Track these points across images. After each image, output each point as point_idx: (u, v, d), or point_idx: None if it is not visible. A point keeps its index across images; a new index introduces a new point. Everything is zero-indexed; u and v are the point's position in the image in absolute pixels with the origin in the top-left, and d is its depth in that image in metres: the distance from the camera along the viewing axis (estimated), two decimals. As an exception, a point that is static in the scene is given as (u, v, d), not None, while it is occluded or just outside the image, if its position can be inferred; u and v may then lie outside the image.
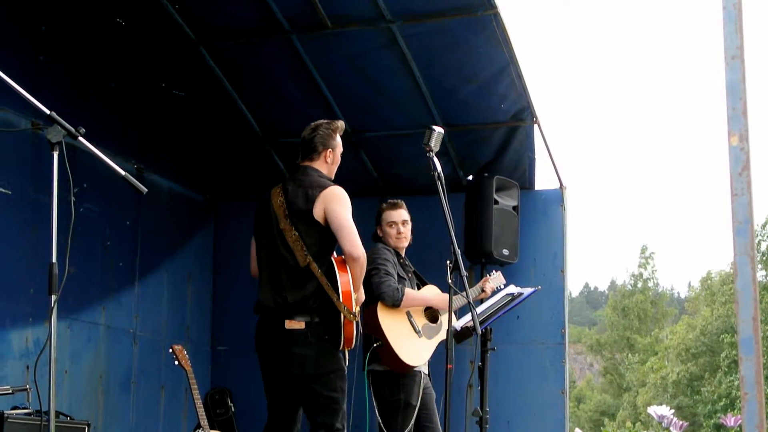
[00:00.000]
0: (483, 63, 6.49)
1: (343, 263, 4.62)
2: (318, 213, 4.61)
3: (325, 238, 4.63)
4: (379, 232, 5.80)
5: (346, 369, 4.68)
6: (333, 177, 4.88)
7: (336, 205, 4.62)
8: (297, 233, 4.62)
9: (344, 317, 4.55)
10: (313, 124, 4.91)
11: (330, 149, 4.86)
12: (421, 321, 5.61)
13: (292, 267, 4.61)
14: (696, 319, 37.65)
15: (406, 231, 5.78)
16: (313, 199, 4.63)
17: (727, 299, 34.90)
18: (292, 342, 4.57)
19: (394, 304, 5.46)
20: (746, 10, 2.21)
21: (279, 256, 4.66)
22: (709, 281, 40.49)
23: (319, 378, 4.60)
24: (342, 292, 4.56)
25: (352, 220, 4.61)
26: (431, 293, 5.74)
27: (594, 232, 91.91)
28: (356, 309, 4.67)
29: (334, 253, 4.75)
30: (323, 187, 4.68)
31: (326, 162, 4.86)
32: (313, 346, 4.56)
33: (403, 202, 5.87)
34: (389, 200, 5.89)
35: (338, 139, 4.91)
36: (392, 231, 5.75)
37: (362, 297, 4.82)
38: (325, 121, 4.94)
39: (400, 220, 5.76)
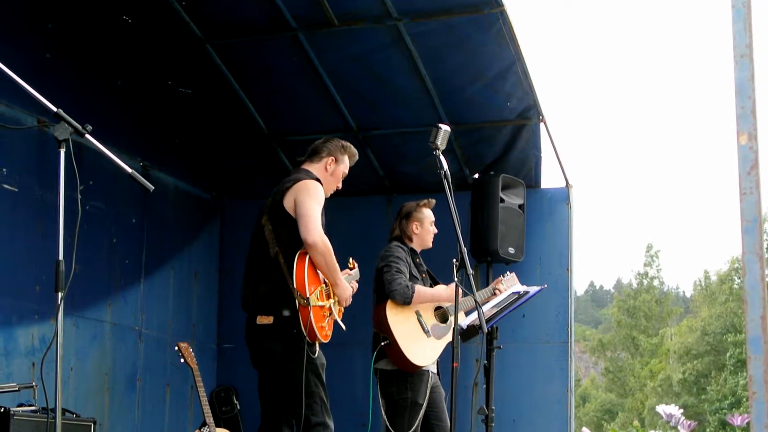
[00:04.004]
0: (489, 61, 6.48)
1: (304, 254, 4.54)
2: (288, 204, 4.59)
3: (294, 231, 4.56)
4: (413, 227, 5.65)
5: (321, 362, 4.63)
6: (328, 188, 4.79)
7: (303, 195, 4.58)
8: (271, 227, 4.63)
9: (299, 304, 4.49)
10: (329, 137, 4.95)
11: (334, 158, 4.87)
12: (430, 321, 5.55)
13: (264, 260, 4.62)
14: (697, 320, 37.56)
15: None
16: (285, 190, 4.63)
17: (727, 298, 34.86)
18: (263, 337, 4.60)
19: (405, 301, 5.39)
20: (755, 8, 2.19)
21: (256, 250, 4.69)
22: (707, 280, 40.40)
23: (289, 372, 4.57)
24: (296, 279, 4.48)
25: (316, 210, 4.55)
26: (442, 289, 5.62)
27: (600, 230, 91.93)
28: (330, 301, 4.62)
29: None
30: (297, 180, 4.67)
31: (325, 169, 4.84)
32: (281, 341, 4.55)
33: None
34: (426, 199, 5.73)
35: (346, 161, 4.91)
36: (433, 229, 5.69)
37: (345, 292, 4.70)
38: (343, 141, 4.96)
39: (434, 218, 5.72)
